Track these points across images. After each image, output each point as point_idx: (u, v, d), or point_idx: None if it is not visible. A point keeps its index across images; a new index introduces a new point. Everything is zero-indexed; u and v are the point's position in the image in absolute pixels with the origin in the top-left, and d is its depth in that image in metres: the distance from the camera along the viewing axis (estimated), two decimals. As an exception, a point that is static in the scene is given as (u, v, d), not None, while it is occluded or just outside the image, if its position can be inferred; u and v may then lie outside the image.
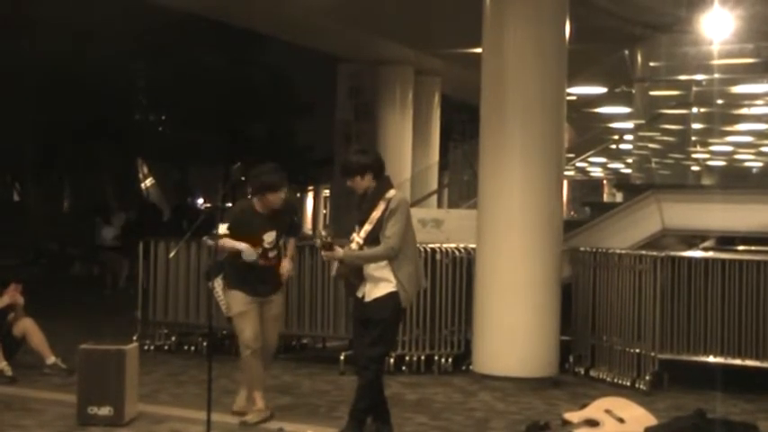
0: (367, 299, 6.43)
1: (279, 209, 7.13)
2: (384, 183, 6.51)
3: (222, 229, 6.96)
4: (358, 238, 6.42)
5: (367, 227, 6.39)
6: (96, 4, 22.64)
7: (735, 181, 18.80)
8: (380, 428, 6.58)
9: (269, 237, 7.08)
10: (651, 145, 16.19)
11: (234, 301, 7.12)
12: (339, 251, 6.40)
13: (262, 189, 7.05)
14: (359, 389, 6.47)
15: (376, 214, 6.37)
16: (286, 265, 7.24)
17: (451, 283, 9.61)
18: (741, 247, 11.57)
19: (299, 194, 43.46)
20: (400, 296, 6.35)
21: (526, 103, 9.26)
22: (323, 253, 6.60)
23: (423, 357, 9.60)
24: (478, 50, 9.80)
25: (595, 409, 6.72)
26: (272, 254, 7.13)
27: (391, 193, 6.45)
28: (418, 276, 6.57)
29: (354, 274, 6.46)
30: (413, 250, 6.53)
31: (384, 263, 6.36)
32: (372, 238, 6.36)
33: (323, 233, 6.53)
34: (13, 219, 25.19)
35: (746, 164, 20.80)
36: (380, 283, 6.37)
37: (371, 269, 6.39)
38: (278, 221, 7.14)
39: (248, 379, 7.21)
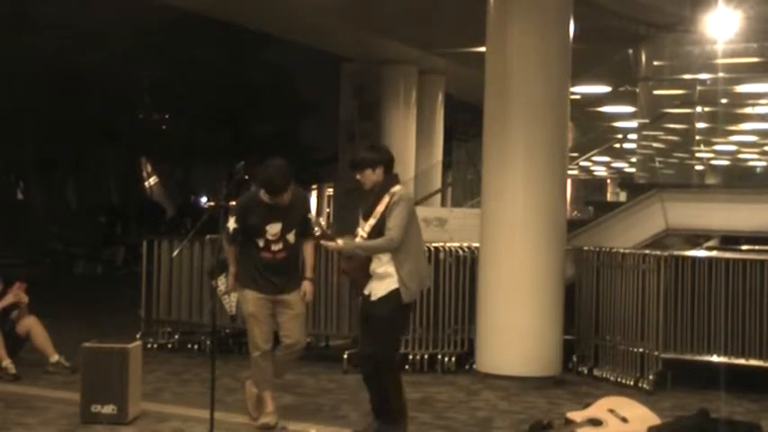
0: (372, 298, 6.47)
1: (288, 202, 6.92)
2: (391, 178, 6.56)
3: (231, 223, 6.93)
4: (362, 231, 6.46)
5: (371, 221, 6.43)
6: (98, 4, 22.66)
7: (739, 180, 18.76)
8: (381, 428, 6.60)
9: (273, 229, 6.87)
10: (655, 144, 16.16)
11: (244, 302, 7.01)
12: (339, 241, 6.50)
13: (263, 187, 6.91)
14: (381, 392, 6.53)
15: (380, 208, 6.41)
16: (307, 290, 7.06)
17: (455, 283, 9.60)
18: (745, 247, 11.57)
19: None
20: (401, 292, 6.36)
21: (530, 102, 9.25)
22: (322, 242, 6.69)
23: (426, 356, 9.61)
24: (482, 50, 9.80)
25: (598, 409, 6.71)
26: (275, 247, 6.90)
27: (396, 188, 6.48)
28: (421, 274, 6.56)
29: (361, 272, 6.47)
30: (416, 247, 6.53)
31: (387, 259, 6.38)
32: (377, 232, 6.39)
33: (322, 223, 6.59)
34: (17, 218, 25.25)
35: (750, 163, 20.77)
36: (384, 280, 6.40)
37: (375, 266, 6.42)
38: (285, 214, 6.90)
39: (258, 380, 7.12)
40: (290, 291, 7.02)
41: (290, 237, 6.97)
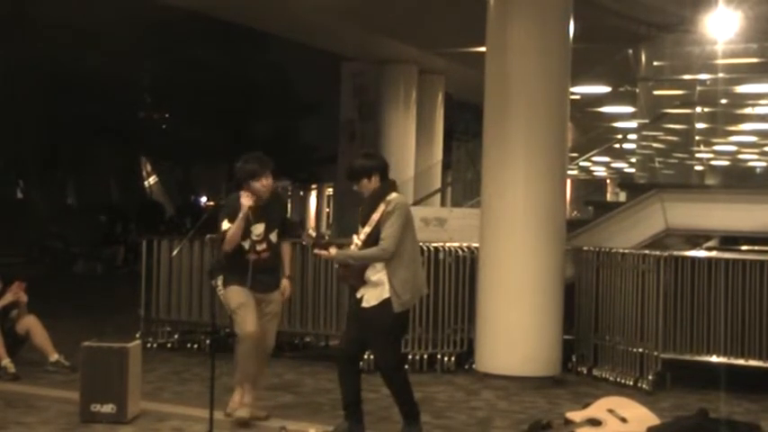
0: (364, 304, 6.44)
1: (267, 200, 7.06)
2: (387, 186, 6.53)
3: (225, 224, 7.00)
4: (357, 240, 6.46)
5: (367, 229, 6.40)
6: (99, 3, 22.68)
7: (738, 181, 18.81)
8: (353, 428, 6.61)
9: (257, 229, 7.02)
10: (655, 144, 16.19)
11: (232, 295, 7.05)
12: (332, 250, 6.52)
13: (245, 177, 7.01)
14: (394, 395, 6.61)
15: (375, 216, 6.38)
16: (286, 287, 7.24)
17: (454, 282, 9.60)
18: (744, 247, 11.58)
19: (302, 192, 43.57)
20: (393, 302, 6.34)
21: (530, 102, 9.25)
22: (315, 251, 6.73)
23: (425, 356, 9.60)
24: (482, 49, 9.80)
25: (598, 409, 6.71)
26: (260, 247, 7.04)
27: (392, 195, 6.46)
28: (416, 283, 6.52)
29: (358, 278, 6.46)
30: (411, 255, 6.48)
31: (380, 267, 6.35)
32: (372, 241, 6.36)
33: (311, 233, 6.63)
34: (16, 217, 25.24)
35: (750, 164, 20.81)
36: (377, 289, 6.37)
37: (370, 273, 6.40)
38: (266, 214, 7.06)
39: (245, 371, 7.11)
40: (273, 290, 7.22)
41: (273, 236, 7.14)
